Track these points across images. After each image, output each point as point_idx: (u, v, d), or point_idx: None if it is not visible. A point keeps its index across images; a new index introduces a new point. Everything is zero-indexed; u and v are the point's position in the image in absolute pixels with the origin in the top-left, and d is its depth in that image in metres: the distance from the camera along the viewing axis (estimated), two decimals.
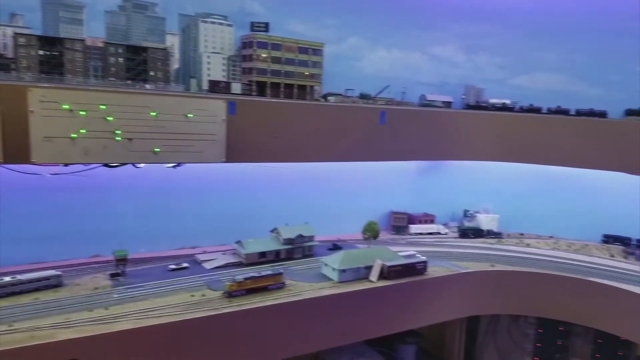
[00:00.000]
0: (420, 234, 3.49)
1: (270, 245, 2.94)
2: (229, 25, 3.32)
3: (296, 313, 2.33)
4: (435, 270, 2.67)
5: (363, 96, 3.40)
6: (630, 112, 3.29)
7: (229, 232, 3.08)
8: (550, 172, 3.38)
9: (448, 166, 3.61)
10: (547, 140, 3.16)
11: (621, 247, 3.22)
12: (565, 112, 3.34)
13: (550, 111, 3.37)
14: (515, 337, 3.18)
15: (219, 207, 3.14)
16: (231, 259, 2.90)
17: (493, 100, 3.59)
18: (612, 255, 3.11)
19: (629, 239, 3.22)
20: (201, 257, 3.26)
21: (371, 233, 3.19)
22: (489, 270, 2.80)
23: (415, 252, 2.88)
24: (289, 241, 2.92)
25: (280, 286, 2.47)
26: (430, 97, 3.68)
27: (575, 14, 3.45)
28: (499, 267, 2.81)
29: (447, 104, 3.67)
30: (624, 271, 2.82)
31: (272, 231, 3.05)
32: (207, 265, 2.92)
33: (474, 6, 3.59)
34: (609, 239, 3.31)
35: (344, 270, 2.55)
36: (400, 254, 2.80)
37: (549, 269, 2.87)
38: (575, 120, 3.19)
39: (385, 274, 2.57)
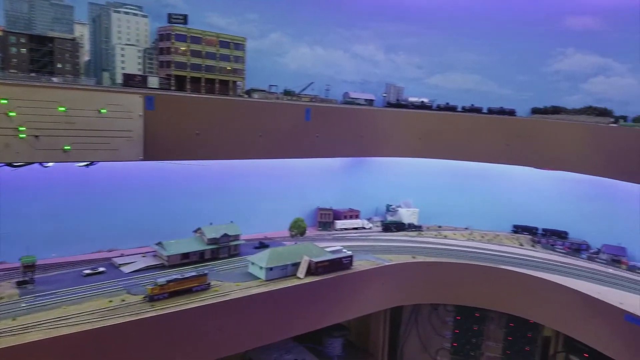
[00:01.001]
0: (346, 229, 3.57)
1: (193, 245, 2.86)
2: (144, 16, 3.18)
3: (223, 314, 2.29)
4: (360, 264, 2.75)
5: (287, 93, 3.41)
6: (536, 110, 3.60)
7: (149, 234, 2.96)
8: (465, 167, 3.59)
9: (371, 163, 3.73)
10: (462, 137, 3.36)
11: (529, 237, 3.50)
12: (478, 110, 3.57)
13: (465, 109, 3.59)
14: (435, 325, 3.36)
15: (138, 207, 3.01)
16: (152, 262, 2.78)
17: (412, 99, 3.75)
18: (521, 244, 3.38)
19: (536, 229, 3.52)
20: (119, 261, 3.08)
21: (298, 230, 3.21)
22: (410, 262, 2.93)
23: (341, 247, 2.94)
24: (213, 241, 2.85)
25: (206, 287, 2.41)
26: (353, 94, 3.77)
27: (487, 18, 3.70)
28: (420, 259, 2.95)
29: (370, 102, 3.78)
30: (532, 259, 3.07)
31: (195, 231, 2.96)
32: (126, 269, 2.78)
33: (392, 6, 3.72)
34: (518, 229, 3.59)
35: (271, 269, 2.54)
36: (327, 249, 2.85)
37: (465, 258, 3.06)
38: (488, 118, 3.42)
39: (312, 270, 2.60)
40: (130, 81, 2.81)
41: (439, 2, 3.78)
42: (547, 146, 3.19)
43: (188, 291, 2.40)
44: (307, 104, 3.25)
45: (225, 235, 2.91)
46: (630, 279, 2.74)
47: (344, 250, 2.90)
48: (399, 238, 3.42)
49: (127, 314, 2.21)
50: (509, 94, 3.77)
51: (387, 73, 3.91)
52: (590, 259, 3.08)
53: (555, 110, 3.55)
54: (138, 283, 2.60)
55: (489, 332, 3.28)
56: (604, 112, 3.33)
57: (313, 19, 3.68)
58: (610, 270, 2.88)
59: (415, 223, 3.72)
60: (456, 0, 3.76)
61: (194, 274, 2.45)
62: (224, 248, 2.92)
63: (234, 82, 3.24)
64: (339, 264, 2.70)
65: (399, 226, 3.62)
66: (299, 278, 2.52)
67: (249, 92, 3.32)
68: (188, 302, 2.27)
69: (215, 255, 2.88)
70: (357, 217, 3.75)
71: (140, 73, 3.10)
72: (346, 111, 3.29)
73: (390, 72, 3.90)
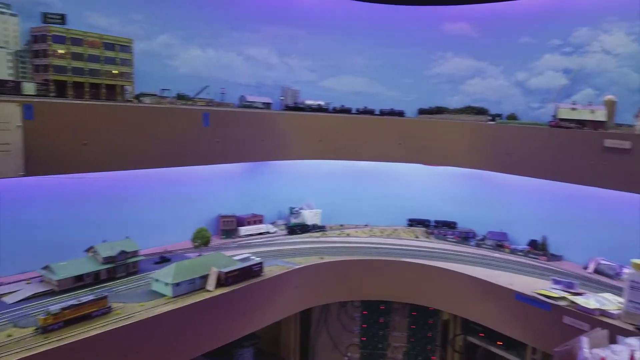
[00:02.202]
0: (251, 235, 3.51)
1: (86, 266, 2.58)
2: (13, 14, 2.83)
3: (128, 338, 2.11)
4: (271, 270, 2.72)
5: (181, 97, 3.26)
6: (422, 111, 3.85)
7: (32, 257, 2.63)
8: (363, 167, 3.73)
9: (272, 166, 3.71)
10: (359, 138, 3.48)
11: (423, 229, 3.73)
12: (371, 112, 3.72)
13: (359, 111, 3.72)
14: (344, 322, 3.44)
15: (17, 229, 2.66)
16: (39, 288, 2.45)
17: (309, 102, 3.80)
18: (417, 237, 3.57)
19: (429, 221, 3.75)
20: None
21: (202, 240, 3.08)
22: (319, 262, 2.96)
23: (249, 255, 2.88)
24: (109, 259, 2.61)
25: (106, 311, 2.20)
26: (250, 98, 3.72)
27: (372, 24, 3.86)
28: (328, 259, 3.00)
29: (267, 105, 3.76)
30: (428, 249, 3.28)
31: (87, 250, 2.69)
32: (9, 299, 2.43)
33: (282, 11, 3.74)
34: (413, 223, 3.81)
35: (177, 284, 2.40)
36: (235, 258, 2.77)
37: (369, 254, 3.17)
38: (380, 119, 3.58)
39: (222, 281, 2.51)
40: (1, 87, 2.47)
41: (327, 9, 3.88)
42: (434, 144, 3.43)
43: (87, 317, 2.16)
44: (203, 108, 3.13)
45: (122, 252, 2.68)
46: (514, 261, 3.06)
47: (253, 257, 2.86)
48: (304, 240, 3.45)
49: (16, 350, 1.92)
50: (396, 95, 3.99)
51: (281, 76, 3.92)
52: (478, 245, 3.38)
53: (439, 110, 3.84)
54: (26, 314, 2.28)
55: (394, 323, 3.45)
56: (481, 111, 3.67)
57: (203, 21, 3.56)
58: (497, 254, 3.18)
59: (319, 224, 3.78)
60: (342, 6, 3.89)
61: (92, 297, 2.21)
62: (121, 266, 2.69)
63: (122, 86, 3.01)
64: (250, 272, 2.65)
65: (304, 228, 3.65)
66: (208, 291, 2.42)
67: (138, 97, 3.12)
68: (88, 329, 2.05)
69: (112, 275, 2.63)
70: (260, 222, 3.71)
71: (12, 78, 2.74)
72: (245, 115, 3.23)
73: (285, 75, 3.92)
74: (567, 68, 3.20)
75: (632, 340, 1.70)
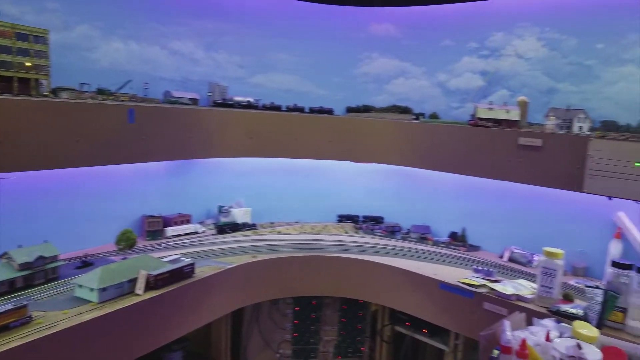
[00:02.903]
0: (178, 235, 3.41)
1: (1, 274, 2.38)
2: None
3: (52, 349, 1.99)
4: (202, 270, 2.67)
5: (101, 91, 3.09)
6: (350, 109, 3.95)
7: None
8: (293, 164, 3.76)
9: (198, 164, 3.63)
10: (289, 135, 3.50)
11: (352, 224, 3.83)
12: (301, 110, 3.76)
13: (289, 109, 3.74)
14: (276, 320, 3.46)
15: None
16: None
17: (238, 98, 3.76)
18: (346, 232, 3.67)
19: (357, 217, 3.87)
20: None
21: (127, 243, 2.94)
22: (251, 261, 2.95)
23: (179, 256, 2.81)
24: (26, 266, 2.42)
25: (26, 321, 2.04)
26: (175, 93, 3.61)
27: (300, 22, 3.90)
28: (260, 257, 3.00)
29: (194, 101, 3.68)
30: (357, 244, 3.38)
31: (1, 257, 2.47)
32: None
33: (209, 4, 3.67)
34: (342, 218, 3.91)
35: (104, 289, 2.29)
36: (165, 259, 2.69)
37: (300, 251, 3.21)
38: (310, 117, 3.63)
39: (152, 284, 2.43)
40: None
41: (255, 4, 3.86)
42: (362, 141, 3.54)
43: (4, 328, 1.99)
44: (126, 104, 3.00)
45: (41, 257, 2.50)
46: (437, 252, 3.24)
47: (183, 258, 2.79)
48: (235, 239, 3.41)
49: None
50: (325, 94, 4.06)
51: (208, 71, 3.84)
52: (403, 238, 3.54)
53: (367, 108, 3.96)
54: None
55: (326, 318, 3.52)
56: (406, 110, 3.84)
57: (124, 12, 3.40)
58: (421, 246, 3.35)
59: (249, 222, 3.76)
60: (271, 3, 3.89)
61: (10, 307, 2.03)
62: (39, 272, 2.51)
63: (37, 80, 2.81)
64: (180, 273, 2.58)
65: (234, 227, 3.61)
66: (138, 295, 2.34)
67: (55, 92, 2.92)
68: (7, 341, 1.90)
69: (29, 282, 2.44)
70: (188, 222, 3.62)
71: None
72: (173, 111, 3.14)
73: (212, 71, 3.85)
74: (484, 70, 3.42)
75: (546, 322, 1.88)
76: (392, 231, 3.62)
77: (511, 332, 1.62)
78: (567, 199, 2.75)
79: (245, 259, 2.98)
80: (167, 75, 3.59)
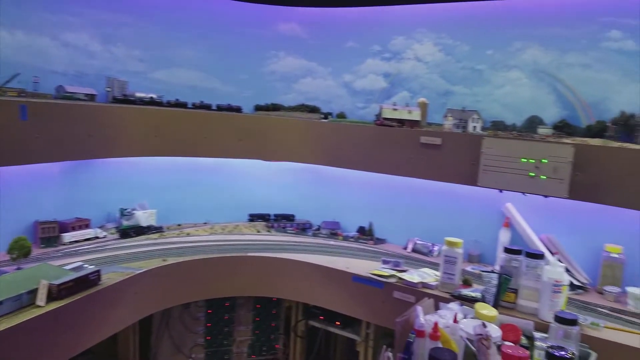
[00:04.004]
0: (77, 241, 3.19)
1: None
2: None
3: None
4: (109, 277, 2.54)
5: None
6: (258, 108, 3.96)
7: None
8: (201, 163, 3.70)
9: (97, 164, 3.43)
10: (197, 133, 3.43)
11: (264, 223, 3.86)
12: (208, 107, 3.70)
13: (196, 106, 3.66)
14: (188, 324, 3.39)
15: None
16: None
17: (140, 94, 3.60)
18: (259, 231, 3.69)
19: (269, 215, 3.91)
20: None
21: (20, 251, 2.68)
22: (161, 265, 2.87)
23: (82, 263, 2.64)
24: None
25: None
26: (70, 88, 3.37)
27: (205, 16, 3.84)
28: (171, 261, 2.93)
29: (91, 97, 3.45)
30: (270, 242, 3.42)
31: None
32: None
33: None
34: (253, 217, 3.91)
35: (0, 302, 2.10)
36: (66, 267, 2.52)
37: (212, 252, 3.18)
38: (218, 114, 3.59)
39: (54, 294, 2.26)
40: None
41: None
42: (272, 140, 3.57)
43: None
44: (15, 99, 2.75)
45: None
46: (348, 246, 3.38)
47: (86, 265, 2.63)
48: (141, 243, 3.27)
49: None
50: (233, 91, 4.03)
51: (106, 65, 3.63)
52: (315, 235, 3.64)
53: (275, 107, 4.00)
54: None
55: (240, 318, 3.51)
56: (314, 109, 3.94)
57: (8, 0, 3.12)
58: (332, 242, 3.48)
59: (155, 224, 3.63)
60: None
61: None
62: None
63: None
64: (86, 281, 2.43)
65: (138, 230, 3.46)
66: (39, 306, 2.17)
67: None
68: None
69: None
70: (87, 226, 3.40)
71: None
72: (67, 108, 2.92)
73: (110, 65, 3.64)
74: (386, 72, 3.63)
75: (452, 305, 2.08)
76: (304, 228, 3.72)
77: (423, 317, 1.78)
78: (464, 192, 3.04)
79: (155, 263, 2.90)
80: (60, 69, 3.36)
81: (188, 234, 3.54)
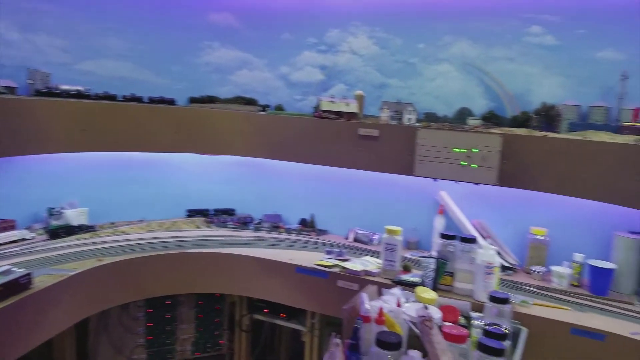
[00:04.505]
0: (2, 244, 2.99)
1: None
2: None
3: None
4: (41, 280, 2.41)
5: None
6: (193, 100, 3.87)
7: None
8: (133, 158, 3.57)
9: (18, 161, 3.22)
10: (129, 127, 3.31)
11: (203, 218, 3.80)
12: (139, 100, 3.57)
13: (126, 98, 3.52)
14: (127, 325, 3.28)
15: None
16: None
17: (65, 87, 3.41)
18: (198, 227, 3.63)
19: (208, 210, 3.85)
20: None
21: None
22: (97, 266, 2.76)
23: (9, 267, 2.48)
24: None
25: None
26: None
27: (134, 4, 3.69)
28: (107, 260, 2.82)
29: (11, 90, 3.22)
30: (210, 237, 3.38)
31: None
32: None
33: None
34: (192, 213, 3.84)
35: None
36: None
37: (150, 250, 3.09)
38: (151, 107, 3.47)
39: None
40: None
41: None
42: (209, 133, 3.51)
43: None
44: None
45: None
46: (290, 239, 3.40)
47: (15, 269, 2.47)
48: (73, 243, 3.10)
49: None
50: (165, 83, 3.91)
51: (26, 56, 3.40)
52: (256, 228, 3.64)
53: (211, 99, 3.92)
54: None
55: (182, 316, 3.44)
56: (251, 102, 3.91)
57: None
58: (274, 235, 3.49)
59: (86, 223, 3.46)
60: None
61: None
62: None
63: None
64: (16, 285, 2.29)
65: (69, 230, 3.28)
66: None
67: None
68: None
69: None
70: (12, 227, 3.20)
71: None
72: None
73: (31, 55, 3.42)
74: (323, 65, 3.68)
75: (394, 290, 2.18)
76: (245, 222, 3.71)
77: (368, 303, 1.86)
78: (401, 182, 3.16)
79: (90, 263, 2.79)
80: None
81: (123, 232, 3.43)
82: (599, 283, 2.50)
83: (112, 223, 3.64)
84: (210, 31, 3.93)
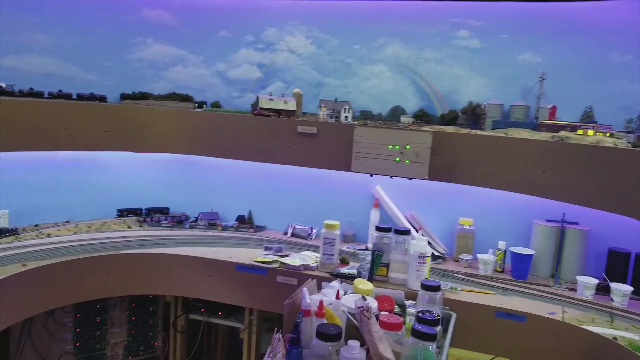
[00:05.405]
0: None
1: None
2: None
3: None
4: None
5: None
6: (125, 96, 3.70)
7: None
8: (59, 156, 3.37)
9: None
10: (56, 125, 3.11)
11: (135, 218, 3.64)
12: (68, 97, 3.37)
13: (53, 95, 3.30)
14: (53, 332, 3.09)
15: None
16: None
17: None
18: (130, 227, 3.48)
19: (141, 209, 3.69)
20: None
21: None
22: (22, 271, 2.56)
23: None
24: None
25: None
26: None
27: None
28: (31, 265, 2.64)
29: None
30: (143, 237, 3.24)
31: None
32: None
33: None
34: (123, 213, 3.66)
35: None
36: None
37: (79, 253, 2.93)
38: (81, 104, 3.28)
39: None
40: None
41: None
42: (143, 130, 3.36)
43: None
44: None
45: None
46: (228, 236, 3.33)
47: None
48: None
49: None
50: (95, 79, 3.71)
51: None
52: (192, 227, 3.54)
53: (144, 96, 3.76)
54: None
55: (113, 320, 3.26)
56: (186, 98, 3.79)
57: None
58: (211, 232, 3.42)
59: (8, 227, 3.21)
60: None
61: None
62: None
63: None
64: None
65: None
66: None
67: None
68: None
69: None
70: None
71: None
72: None
73: None
74: (260, 62, 3.65)
75: (333, 284, 2.20)
76: (180, 221, 3.60)
77: (309, 297, 1.86)
78: (338, 177, 3.20)
79: (13, 269, 2.60)
80: None
81: (49, 235, 3.22)
82: (519, 268, 2.66)
83: (37, 225, 3.41)
84: (143, 27, 3.78)
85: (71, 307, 3.13)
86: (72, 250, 2.96)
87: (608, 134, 2.61)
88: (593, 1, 2.88)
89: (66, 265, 2.81)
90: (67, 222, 3.53)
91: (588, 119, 2.86)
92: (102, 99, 3.48)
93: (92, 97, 3.43)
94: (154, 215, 3.68)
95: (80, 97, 3.40)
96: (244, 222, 3.57)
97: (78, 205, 3.58)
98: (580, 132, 2.66)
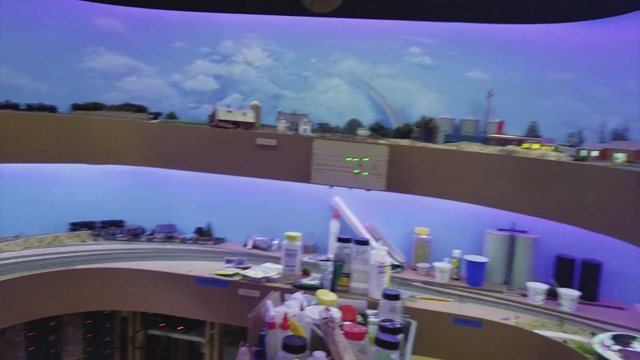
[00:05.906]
0: None
1: None
2: None
3: None
4: None
5: None
6: (77, 107, 3.57)
7: None
8: (3, 169, 3.21)
9: None
10: (2, 136, 2.96)
11: (88, 231, 3.52)
12: (16, 107, 3.23)
13: (0, 105, 3.16)
14: (4, 351, 2.93)
15: None
16: None
17: None
18: (83, 241, 3.36)
19: (94, 223, 3.57)
20: None
21: None
22: None
23: None
24: None
25: None
26: None
27: (9, 6, 3.34)
28: None
29: None
30: (98, 252, 3.14)
31: None
32: None
33: None
34: (76, 226, 3.53)
35: None
36: None
37: (29, 269, 2.80)
38: (30, 115, 3.15)
39: None
40: None
41: None
42: (96, 142, 3.25)
43: None
44: None
45: None
46: (187, 249, 3.27)
47: None
48: None
49: None
50: (44, 89, 3.56)
51: None
52: (149, 240, 3.46)
53: (97, 106, 3.63)
54: None
55: (68, 337, 3.13)
56: (141, 109, 3.68)
57: None
58: (169, 246, 3.35)
59: None
60: None
61: None
62: None
63: None
64: None
65: None
66: None
67: None
68: None
69: None
70: None
71: None
72: None
73: None
74: (217, 74, 3.63)
75: (296, 295, 2.23)
76: (136, 234, 3.52)
77: (274, 310, 1.88)
78: (297, 188, 3.23)
79: None
80: None
81: None
82: (474, 276, 2.78)
83: None
84: (95, 36, 3.69)
85: (23, 325, 2.99)
86: (23, 266, 2.84)
87: (552, 148, 2.78)
88: (535, 24, 3.07)
89: (17, 281, 2.70)
90: (16, 237, 3.38)
91: (533, 133, 3.04)
92: (52, 109, 3.36)
93: (41, 108, 3.31)
94: (109, 228, 3.57)
95: (29, 108, 3.27)
96: (203, 234, 3.54)
97: (28, 219, 3.43)
98: (525, 145, 2.82)
